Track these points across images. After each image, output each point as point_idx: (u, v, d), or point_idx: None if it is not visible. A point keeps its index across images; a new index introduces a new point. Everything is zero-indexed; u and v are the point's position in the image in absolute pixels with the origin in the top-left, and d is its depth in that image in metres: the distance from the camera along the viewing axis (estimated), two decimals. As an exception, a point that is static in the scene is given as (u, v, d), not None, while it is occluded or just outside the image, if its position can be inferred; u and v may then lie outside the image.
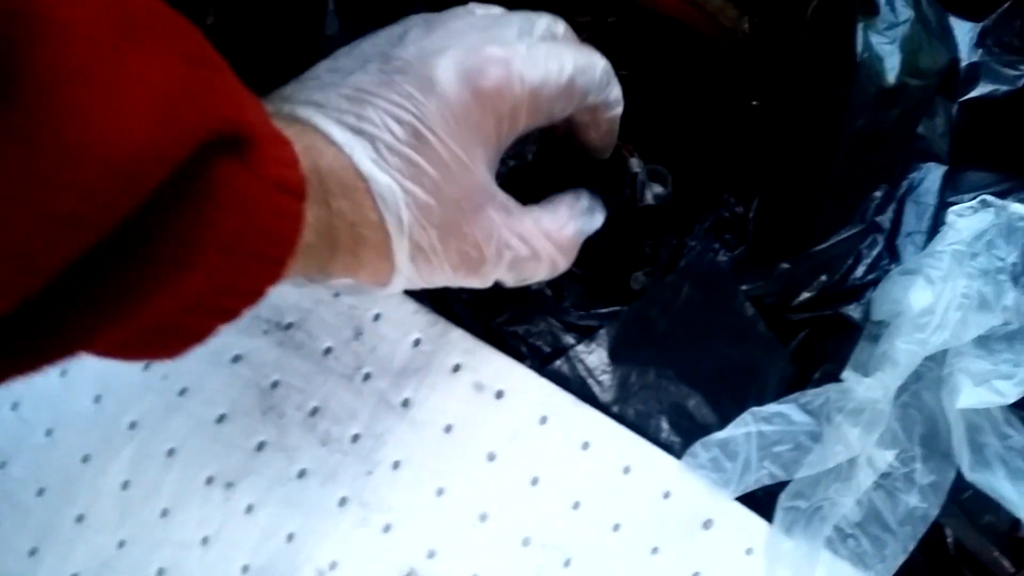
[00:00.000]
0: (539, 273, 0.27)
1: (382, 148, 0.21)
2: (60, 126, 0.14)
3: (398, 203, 0.21)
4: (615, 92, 0.27)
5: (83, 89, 0.15)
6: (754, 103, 0.36)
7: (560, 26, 0.26)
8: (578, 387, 0.31)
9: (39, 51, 0.14)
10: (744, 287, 0.31)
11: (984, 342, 0.31)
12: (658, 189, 0.38)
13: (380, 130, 0.21)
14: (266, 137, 0.19)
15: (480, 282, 0.25)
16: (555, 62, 0.24)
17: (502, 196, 0.24)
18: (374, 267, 0.23)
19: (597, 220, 0.29)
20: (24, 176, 0.14)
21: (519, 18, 0.25)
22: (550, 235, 0.26)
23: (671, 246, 0.42)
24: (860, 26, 0.30)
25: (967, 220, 0.30)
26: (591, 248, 0.40)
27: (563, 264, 0.27)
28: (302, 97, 0.22)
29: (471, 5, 0.25)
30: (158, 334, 0.19)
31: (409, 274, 0.23)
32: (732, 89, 0.37)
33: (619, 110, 0.28)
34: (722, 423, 0.31)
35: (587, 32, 0.39)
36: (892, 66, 0.30)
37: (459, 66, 0.22)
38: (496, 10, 0.26)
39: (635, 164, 0.36)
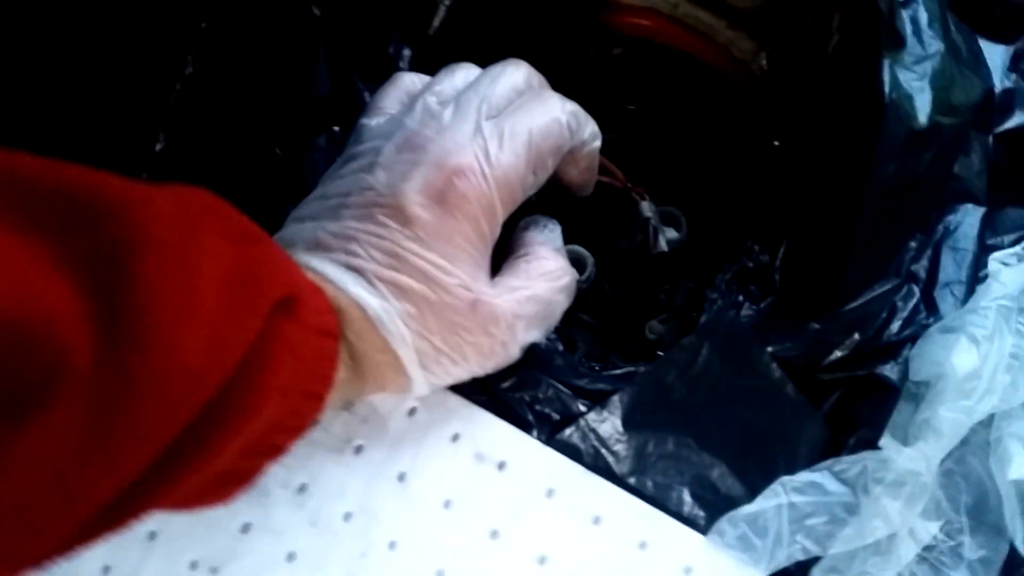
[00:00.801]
0: (559, 310, 0.28)
1: (371, 277, 0.23)
2: (163, 325, 0.17)
3: (395, 323, 0.23)
4: (589, 130, 0.28)
5: (175, 295, 0.17)
6: (776, 143, 0.33)
7: (519, 77, 0.27)
8: (591, 458, 0.28)
9: (139, 267, 0.17)
10: (770, 348, 0.29)
11: (1036, 402, 0.28)
12: (672, 234, 0.36)
13: (367, 261, 0.23)
14: (306, 290, 0.22)
15: (508, 360, 0.27)
16: (518, 143, 0.25)
17: (491, 282, 0.26)
18: (396, 383, 0.25)
19: (555, 229, 0.30)
20: (142, 372, 0.17)
21: (475, 100, 0.26)
22: (547, 272, 0.27)
23: (688, 291, 0.39)
24: (886, 62, 0.28)
25: (1012, 271, 0.27)
26: (603, 297, 0.38)
27: (572, 284, 0.29)
28: (301, 238, 0.24)
29: (428, 98, 0.26)
30: (217, 481, 0.21)
31: (428, 380, 0.25)
32: (751, 128, 0.35)
33: (597, 144, 0.29)
34: (749, 494, 0.29)
35: (592, 64, 0.38)
36: (923, 105, 0.28)
37: (425, 190, 0.24)
38: (449, 87, 0.27)
39: (646, 208, 0.34)
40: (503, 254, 0.29)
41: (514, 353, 0.27)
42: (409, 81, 0.28)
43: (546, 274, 0.27)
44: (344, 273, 0.23)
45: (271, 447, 0.22)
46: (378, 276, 0.23)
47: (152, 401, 0.17)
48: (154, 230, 0.18)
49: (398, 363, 0.24)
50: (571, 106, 0.27)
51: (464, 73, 0.27)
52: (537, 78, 0.27)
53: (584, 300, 0.37)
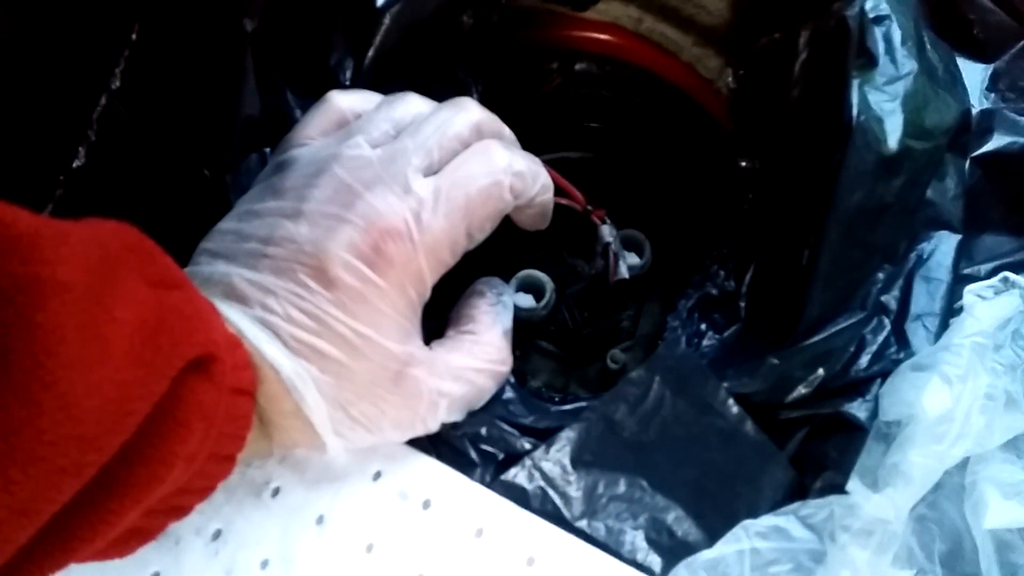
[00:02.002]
0: (487, 397, 0.26)
1: (287, 338, 0.22)
2: (60, 382, 0.16)
3: (309, 389, 0.22)
4: (539, 184, 0.26)
5: (77, 347, 0.16)
6: (743, 165, 0.32)
7: (466, 125, 0.25)
8: (538, 501, 0.26)
9: (40, 313, 0.16)
10: (726, 383, 0.27)
11: (1013, 444, 0.26)
12: (633, 259, 0.34)
13: (284, 320, 0.22)
14: (223, 346, 0.20)
15: (426, 431, 0.25)
16: (454, 207, 0.24)
17: (421, 352, 0.24)
18: (308, 443, 0.23)
19: (508, 302, 0.28)
20: (30, 435, 0.15)
21: (411, 150, 0.24)
22: (488, 358, 0.26)
23: (653, 318, 0.38)
24: (855, 83, 0.26)
25: (988, 305, 0.26)
26: (563, 323, 0.36)
27: (506, 370, 0.27)
28: (216, 281, 0.23)
29: (360, 140, 0.24)
30: (118, 540, 0.20)
31: (343, 445, 0.24)
32: (718, 149, 0.33)
33: (547, 197, 0.27)
34: (709, 539, 0.27)
35: (556, 79, 0.36)
36: (894, 128, 0.26)
37: (350, 250, 0.22)
38: (386, 124, 0.25)
39: (607, 232, 0.32)
40: (452, 301, 0.28)
41: (432, 428, 0.25)
42: (339, 107, 0.26)
43: (487, 360, 0.26)
44: (260, 331, 0.22)
45: (176, 508, 0.21)
46: (295, 338, 0.22)
47: (38, 470, 0.16)
48: (62, 272, 0.16)
49: (309, 427, 0.23)
50: (519, 164, 0.25)
51: (403, 107, 0.25)
52: (488, 124, 0.26)
53: (544, 327, 0.35)
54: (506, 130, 0.27)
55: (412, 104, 0.25)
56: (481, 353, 0.25)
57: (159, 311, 0.18)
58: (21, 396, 0.15)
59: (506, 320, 0.27)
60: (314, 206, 0.23)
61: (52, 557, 0.18)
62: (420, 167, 0.24)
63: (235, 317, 0.22)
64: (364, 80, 0.29)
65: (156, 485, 0.18)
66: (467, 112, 0.25)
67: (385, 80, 0.29)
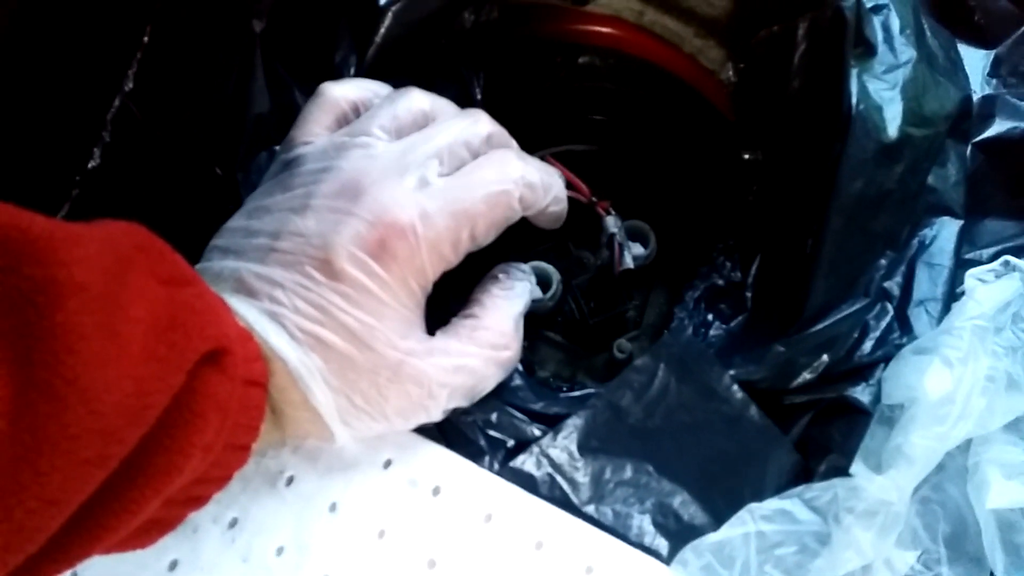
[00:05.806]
0: (491, 383, 0.26)
1: (293, 329, 0.23)
2: (81, 379, 0.16)
3: (315, 379, 0.23)
4: (552, 195, 0.27)
5: (96, 344, 0.17)
6: (745, 156, 0.32)
7: (475, 135, 0.25)
8: (547, 487, 0.27)
9: (59, 313, 0.16)
10: (732, 371, 0.27)
11: (1015, 426, 0.26)
12: (638, 250, 0.34)
13: (291, 312, 0.23)
14: (236, 339, 0.21)
15: (429, 419, 0.26)
16: (460, 209, 0.24)
17: (422, 342, 0.25)
18: (319, 433, 0.24)
19: (525, 288, 0.29)
20: (55, 429, 0.16)
21: (422, 150, 0.24)
22: (488, 343, 0.26)
23: (659, 308, 0.38)
24: (854, 72, 0.27)
25: (989, 289, 0.26)
26: (570, 314, 0.37)
27: (513, 358, 0.27)
28: (226, 276, 0.23)
29: (365, 138, 0.25)
30: (139, 531, 0.20)
31: (351, 434, 0.24)
32: (721, 140, 0.34)
33: (560, 207, 0.28)
34: (715, 522, 0.27)
35: (560, 73, 0.37)
36: (893, 116, 0.27)
37: (355, 243, 0.23)
38: (390, 121, 0.25)
39: (611, 223, 0.33)
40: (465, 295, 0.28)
41: (435, 416, 0.26)
42: (334, 98, 0.26)
43: (486, 345, 0.26)
44: (268, 322, 0.22)
45: (194, 498, 0.22)
46: (301, 328, 0.22)
47: (64, 461, 0.16)
48: (78, 273, 0.17)
49: (318, 418, 0.23)
50: (532, 176, 0.25)
51: (406, 103, 0.26)
52: (498, 137, 0.26)
53: (551, 318, 0.36)
54: (513, 144, 0.27)
55: (415, 100, 0.26)
56: (481, 338, 0.26)
57: (171, 308, 0.19)
58: (45, 392, 0.16)
59: (516, 305, 0.27)
60: (321, 201, 0.23)
61: (79, 546, 0.18)
62: (428, 166, 0.24)
63: (244, 310, 0.22)
64: (367, 76, 0.29)
65: (176, 474, 0.19)
66: (480, 124, 0.26)
67: (388, 76, 0.30)
